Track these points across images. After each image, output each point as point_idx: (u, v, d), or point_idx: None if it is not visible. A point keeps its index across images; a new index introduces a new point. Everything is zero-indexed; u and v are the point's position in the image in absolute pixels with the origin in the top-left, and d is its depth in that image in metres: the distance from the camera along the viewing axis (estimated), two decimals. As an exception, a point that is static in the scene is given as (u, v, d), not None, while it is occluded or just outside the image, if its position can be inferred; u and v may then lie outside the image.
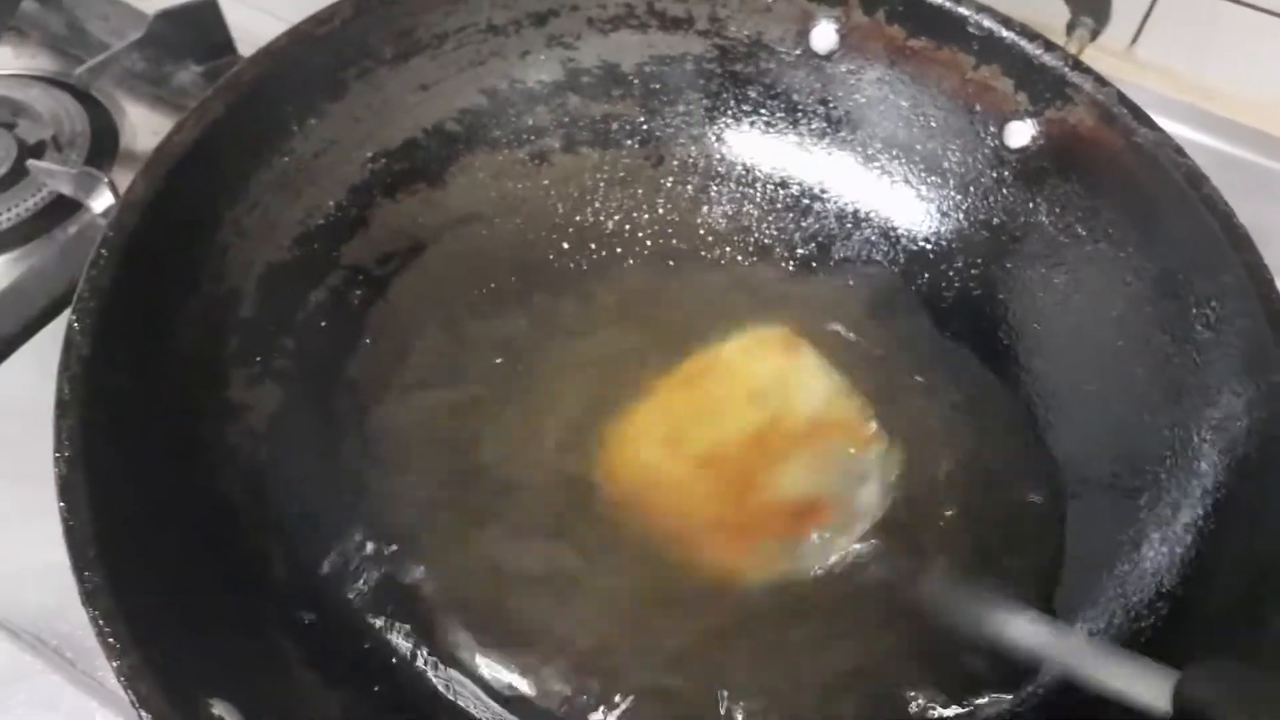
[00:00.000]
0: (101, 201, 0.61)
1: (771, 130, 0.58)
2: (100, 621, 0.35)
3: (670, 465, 0.51)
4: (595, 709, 0.45)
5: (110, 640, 0.35)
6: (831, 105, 0.57)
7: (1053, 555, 0.48)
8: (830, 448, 0.51)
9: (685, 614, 0.47)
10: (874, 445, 0.51)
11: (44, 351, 0.47)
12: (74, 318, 0.41)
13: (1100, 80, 0.50)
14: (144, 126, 0.72)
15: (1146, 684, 0.35)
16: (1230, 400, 0.44)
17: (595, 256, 0.58)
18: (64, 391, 0.39)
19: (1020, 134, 0.53)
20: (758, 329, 0.55)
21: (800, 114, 0.58)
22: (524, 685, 0.45)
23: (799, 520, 0.49)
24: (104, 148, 0.69)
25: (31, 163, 0.62)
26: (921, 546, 0.49)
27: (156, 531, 0.40)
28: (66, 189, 0.60)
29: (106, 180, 0.62)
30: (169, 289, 0.45)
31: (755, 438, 0.51)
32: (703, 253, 0.59)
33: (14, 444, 0.46)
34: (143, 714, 0.34)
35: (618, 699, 0.45)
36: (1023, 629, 0.42)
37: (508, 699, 0.45)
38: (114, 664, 0.34)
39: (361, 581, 0.46)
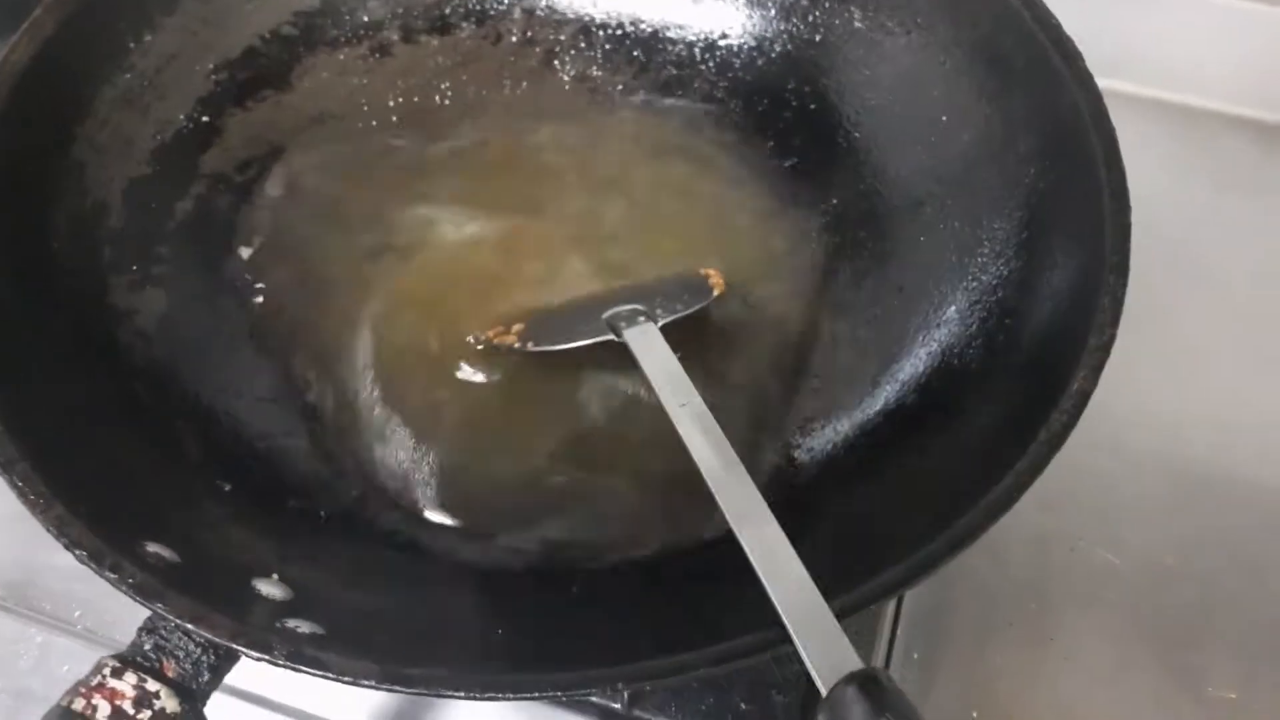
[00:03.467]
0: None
1: (600, -10, 0.61)
2: (20, 483, 0.36)
3: None
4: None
5: (32, 498, 0.36)
6: (652, -46, 0.60)
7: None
8: None
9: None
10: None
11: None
12: (-58, 232, 0.41)
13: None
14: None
15: None
16: (1036, 138, 0.48)
17: (448, 139, 0.60)
18: (-54, 298, 0.40)
19: (825, -50, 0.57)
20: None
21: (624, -32, 0.61)
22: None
23: None
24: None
25: None
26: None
27: (67, 416, 0.41)
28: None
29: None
30: (31, 204, 0.46)
31: None
32: (556, 118, 0.61)
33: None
34: (77, 554, 0.35)
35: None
36: None
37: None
38: (40, 518, 0.35)
39: (272, 455, 0.48)
